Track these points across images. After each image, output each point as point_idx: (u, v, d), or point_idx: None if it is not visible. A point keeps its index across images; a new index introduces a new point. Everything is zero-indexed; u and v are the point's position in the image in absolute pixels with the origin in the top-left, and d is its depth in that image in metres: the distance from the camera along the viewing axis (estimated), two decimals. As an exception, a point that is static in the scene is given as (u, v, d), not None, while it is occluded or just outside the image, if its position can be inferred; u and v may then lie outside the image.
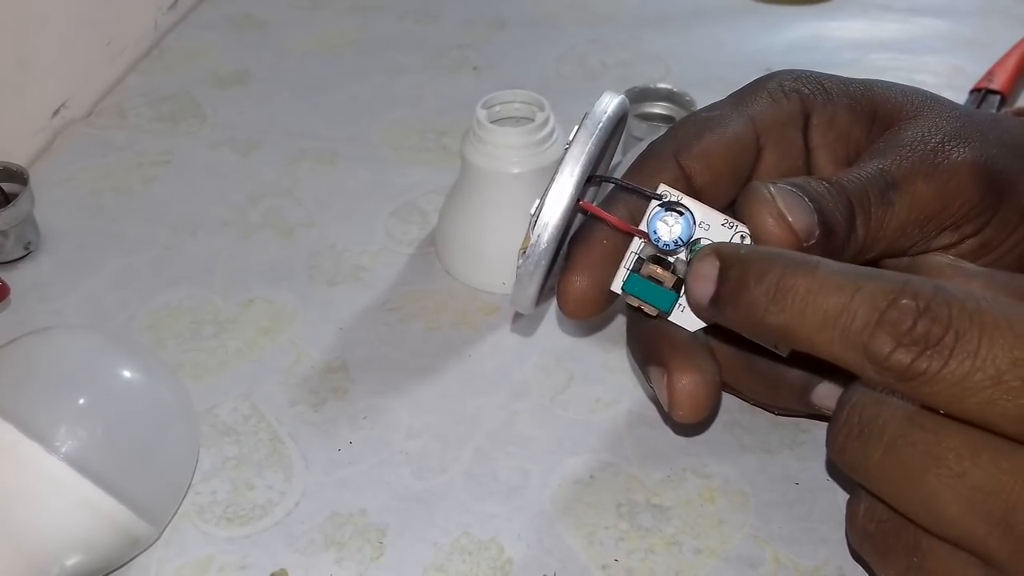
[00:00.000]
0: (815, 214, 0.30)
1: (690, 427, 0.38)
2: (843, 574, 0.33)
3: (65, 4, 0.56)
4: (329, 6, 0.67)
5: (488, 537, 0.35)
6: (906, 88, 0.36)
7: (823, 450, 0.37)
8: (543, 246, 0.29)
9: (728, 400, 0.39)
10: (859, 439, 0.27)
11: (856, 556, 0.34)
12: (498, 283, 0.44)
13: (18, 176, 0.46)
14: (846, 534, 0.30)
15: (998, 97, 0.54)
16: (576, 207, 0.30)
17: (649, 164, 0.35)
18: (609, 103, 0.31)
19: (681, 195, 0.31)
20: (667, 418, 0.38)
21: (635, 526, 0.35)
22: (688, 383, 0.32)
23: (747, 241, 0.31)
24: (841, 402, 0.28)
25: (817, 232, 0.30)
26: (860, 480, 0.28)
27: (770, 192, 0.31)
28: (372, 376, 0.41)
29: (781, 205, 0.30)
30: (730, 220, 0.31)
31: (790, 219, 0.30)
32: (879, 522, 0.28)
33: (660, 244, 0.31)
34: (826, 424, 0.31)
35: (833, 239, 0.31)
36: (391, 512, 0.35)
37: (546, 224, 0.29)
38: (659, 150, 0.35)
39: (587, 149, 0.30)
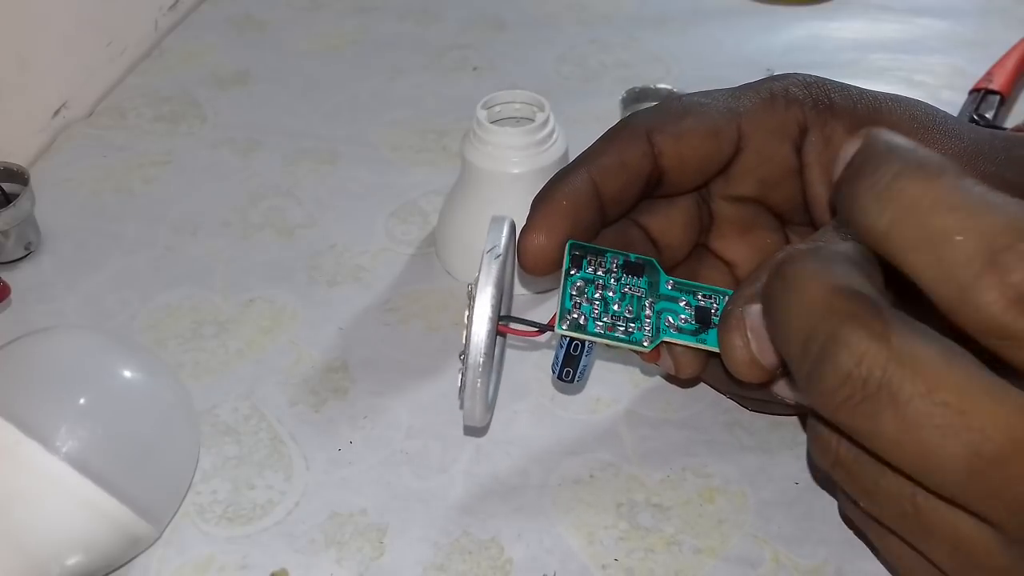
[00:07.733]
0: None
1: (685, 382, 0.39)
2: (843, 574, 0.33)
3: (65, 4, 0.56)
4: (329, 6, 0.67)
5: (488, 537, 0.35)
6: (917, 111, 0.35)
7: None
8: (479, 368, 0.32)
9: (728, 400, 0.39)
10: (865, 401, 0.23)
11: (824, 483, 0.34)
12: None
13: (18, 176, 0.46)
14: (810, 461, 0.28)
15: (997, 97, 0.54)
16: (496, 330, 0.33)
17: (621, 136, 0.35)
18: (501, 233, 0.33)
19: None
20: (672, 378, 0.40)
21: (635, 526, 0.35)
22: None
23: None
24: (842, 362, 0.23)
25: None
26: (867, 443, 0.24)
27: (743, 317, 0.30)
28: (372, 376, 0.41)
29: (753, 344, 0.30)
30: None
31: (760, 360, 0.30)
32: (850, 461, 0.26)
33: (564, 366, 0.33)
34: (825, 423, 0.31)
35: None
36: (391, 512, 0.35)
37: (477, 348, 0.32)
38: (634, 124, 0.35)
39: (493, 279, 0.32)
